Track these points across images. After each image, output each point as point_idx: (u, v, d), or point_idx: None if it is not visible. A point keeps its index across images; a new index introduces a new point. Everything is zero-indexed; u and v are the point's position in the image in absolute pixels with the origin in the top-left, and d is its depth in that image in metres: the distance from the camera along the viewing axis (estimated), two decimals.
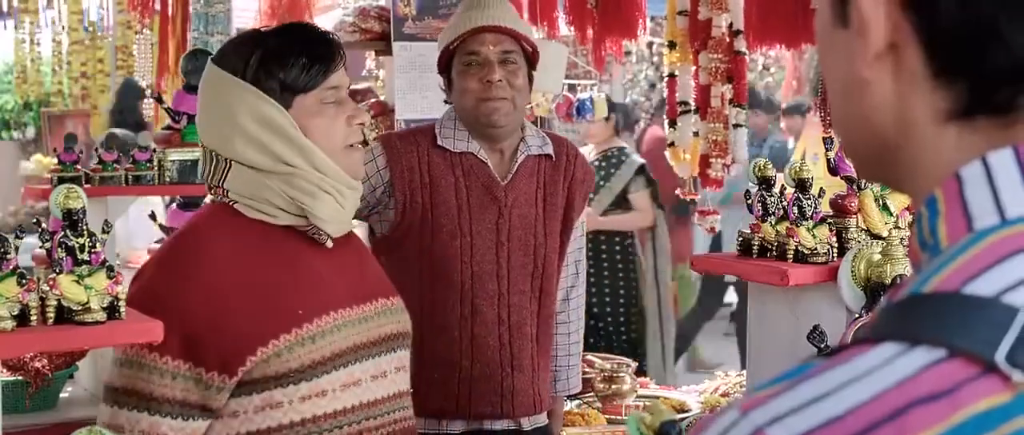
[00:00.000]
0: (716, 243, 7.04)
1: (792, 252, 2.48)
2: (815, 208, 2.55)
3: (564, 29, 4.34)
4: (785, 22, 3.54)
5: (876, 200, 2.57)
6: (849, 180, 2.63)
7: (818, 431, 0.58)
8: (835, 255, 2.51)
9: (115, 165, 3.48)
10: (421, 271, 2.58)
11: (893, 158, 0.70)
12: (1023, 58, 0.63)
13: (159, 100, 3.68)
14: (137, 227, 4.32)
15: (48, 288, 1.85)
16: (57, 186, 2.08)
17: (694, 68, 3.69)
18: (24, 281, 1.81)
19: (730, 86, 3.58)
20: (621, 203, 5.92)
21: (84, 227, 1.91)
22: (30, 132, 9.33)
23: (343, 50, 1.97)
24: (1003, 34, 0.63)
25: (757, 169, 2.62)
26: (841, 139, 0.75)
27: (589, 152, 5.82)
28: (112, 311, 1.86)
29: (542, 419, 2.77)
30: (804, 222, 2.51)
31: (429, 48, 3.96)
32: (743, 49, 3.57)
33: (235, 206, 1.93)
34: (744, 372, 3.54)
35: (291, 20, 5.05)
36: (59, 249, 1.89)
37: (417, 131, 2.68)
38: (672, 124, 3.83)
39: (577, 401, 3.35)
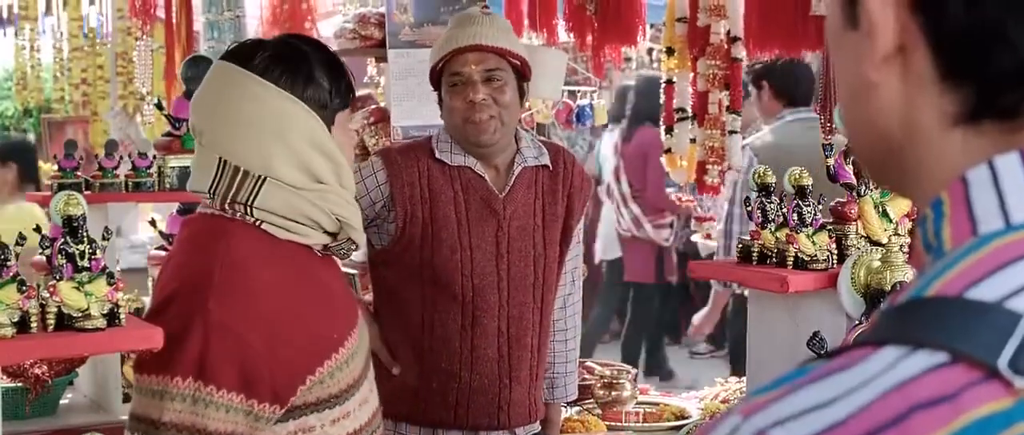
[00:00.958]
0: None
1: (792, 259, 2.48)
2: (814, 215, 2.56)
3: (564, 36, 4.35)
4: (784, 29, 3.54)
5: (876, 207, 2.57)
6: (848, 187, 2.63)
7: None
8: (835, 262, 2.51)
9: (115, 172, 3.49)
10: (422, 284, 2.58)
11: (899, 161, 0.70)
12: None
13: (159, 107, 3.68)
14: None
15: (48, 295, 1.85)
16: (57, 193, 2.08)
17: (692, 75, 3.70)
18: (24, 288, 1.81)
19: (727, 93, 3.59)
20: None
21: (84, 234, 1.91)
22: (30, 138, 9.33)
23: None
24: (1010, 37, 0.63)
25: (757, 176, 2.62)
26: (850, 141, 0.75)
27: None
28: (112, 318, 1.86)
29: (536, 428, 2.78)
30: (804, 229, 2.52)
31: (427, 55, 3.97)
32: (741, 56, 3.57)
33: (263, 226, 1.84)
34: (744, 379, 3.54)
35: (293, 27, 5.07)
36: (59, 256, 1.89)
37: (416, 145, 2.68)
38: (669, 130, 3.84)
39: (577, 408, 3.35)
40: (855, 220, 2.59)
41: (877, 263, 2.42)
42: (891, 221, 2.58)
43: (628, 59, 8.84)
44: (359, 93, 4.48)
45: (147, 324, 1.83)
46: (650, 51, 8.97)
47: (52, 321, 1.85)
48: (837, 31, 0.72)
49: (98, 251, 1.92)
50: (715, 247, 5.62)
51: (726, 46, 3.57)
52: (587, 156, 7.94)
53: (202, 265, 1.81)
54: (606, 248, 7.25)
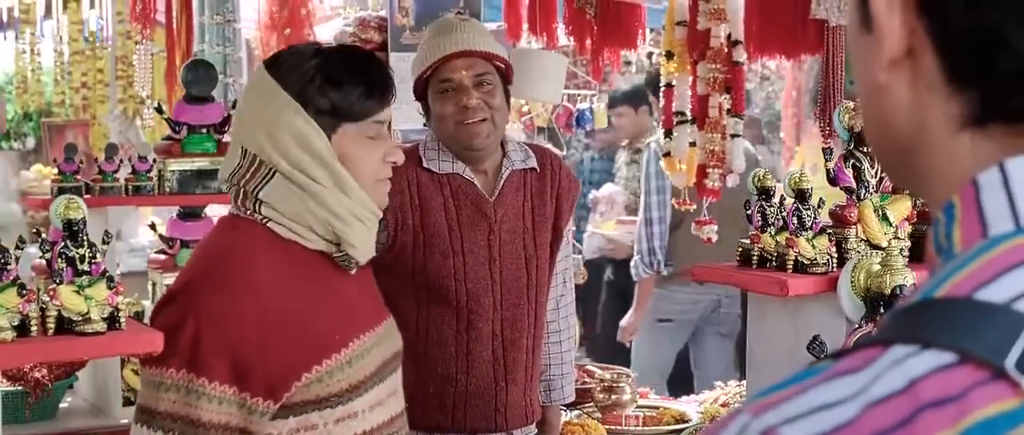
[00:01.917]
0: None
1: (792, 262, 2.48)
2: (814, 218, 2.56)
3: (563, 39, 4.35)
4: (785, 32, 3.55)
5: (875, 210, 2.57)
6: (848, 190, 2.64)
7: (831, 434, 0.58)
8: (835, 265, 2.51)
9: (115, 175, 3.49)
10: (416, 290, 2.59)
11: (912, 163, 0.70)
12: None
13: (159, 110, 3.68)
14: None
15: (48, 299, 1.85)
16: (57, 196, 2.08)
17: (692, 78, 3.70)
18: (24, 292, 1.81)
19: (728, 96, 3.59)
20: None
21: (84, 237, 1.91)
22: (30, 142, 9.33)
23: (395, 87, 1.98)
24: (1011, 41, 0.63)
25: (757, 179, 2.62)
26: (869, 141, 0.76)
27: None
28: (112, 321, 1.86)
29: (532, 430, 2.79)
30: (804, 232, 2.52)
31: None
32: (741, 59, 3.58)
33: (268, 225, 1.88)
34: (744, 382, 3.54)
35: (292, 31, 5.07)
36: (59, 259, 1.89)
37: (404, 153, 2.69)
38: (668, 134, 3.84)
39: (576, 411, 3.35)
40: (855, 224, 2.59)
41: (877, 267, 2.42)
42: (891, 225, 2.58)
43: (628, 63, 8.84)
44: None
45: (147, 328, 1.84)
46: (650, 55, 8.98)
47: (52, 325, 1.85)
48: (855, 34, 0.73)
49: (98, 255, 1.92)
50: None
51: (726, 49, 3.57)
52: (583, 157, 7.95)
53: (205, 259, 1.91)
54: None
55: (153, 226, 3.85)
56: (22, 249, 1.89)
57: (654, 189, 4.92)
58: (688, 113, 3.73)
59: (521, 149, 2.73)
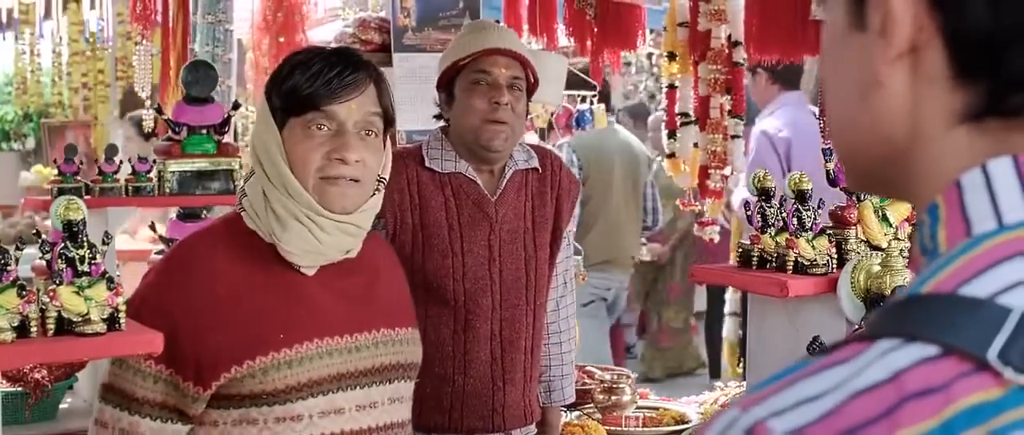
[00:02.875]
0: None
1: (792, 263, 2.48)
2: (814, 219, 2.56)
3: (563, 40, 4.35)
4: (785, 33, 3.55)
5: (876, 211, 2.57)
6: (848, 191, 2.63)
7: (815, 424, 0.59)
8: (834, 266, 2.51)
9: (115, 176, 3.49)
10: (414, 289, 2.59)
11: (899, 163, 0.71)
12: None
13: (159, 112, 3.68)
14: None
15: (48, 299, 1.85)
16: (57, 197, 2.08)
17: (693, 79, 3.70)
18: (24, 293, 1.81)
19: (729, 97, 3.59)
20: None
21: (84, 238, 1.91)
22: (30, 143, 9.33)
23: (370, 86, 1.92)
24: None
25: (756, 180, 2.62)
26: (841, 146, 0.76)
27: None
28: (112, 322, 1.86)
29: (531, 431, 2.79)
30: (803, 233, 2.52)
31: (430, 59, 3.97)
32: (742, 60, 3.58)
33: (243, 215, 1.95)
34: (744, 383, 3.54)
35: (285, 34, 5.07)
36: (59, 260, 1.89)
37: (405, 153, 2.69)
38: (671, 135, 3.84)
39: (577, 412, 3.35)
40: (855, 224, 2.59)
41: (877, 267, 2.42)
42: (891, 225, 2.58)
43: (628, 64, 8.84)
44: None
45: (147, 328, 1.84)
46: (650, 56, 8.99)
47: (52, 326, 1.85)
48: (840, 34, 0.73)
49: (98, 256, 1.92)
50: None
51: (727, 50, 3.57)
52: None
53: (171, 247, 2.04)
54: None
55: (153, 227, 3.84)
56: (22, 250, 1.89)
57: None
58: (692, 114, 3.73)
59: (523, 149, 2.73)
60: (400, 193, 2.57)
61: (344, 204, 1.88)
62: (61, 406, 3.27)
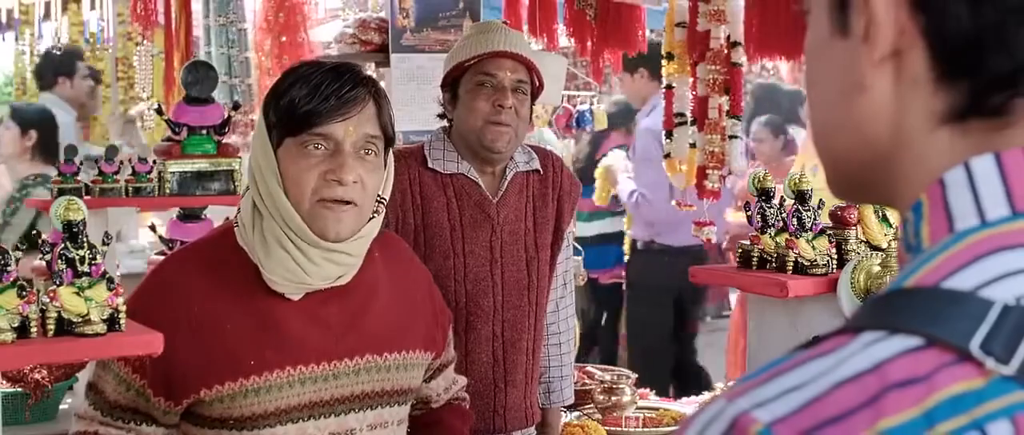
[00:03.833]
0: None
1: (792, 264, 2.48)
2: (814, 219, 2.56)
3: (564, 40, 4.35)
4: (784, 33, 3.55)
5: (875, 212, 2.57)
6: None
7: (798, 413, 0.60)
8: (834, 266, 2.51)
9: (115, 176, 3.49)
10: None
11: (882, 166, 0.72)
12: (1023, 63, 0.66)
13: (159, 112, 3.68)
14: None
15: (48, 300, 1.85)
16: (57, 198, 2.08)
17: (692, 79, 3.70)
18: (24, 293, 1.81)
19: (727, 97, 3.59)
20: None
21: (84, 239, 1.91)
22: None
23: (369, 103, 1.85)
24: (1007, 39, 0.66)
25: (756, 181, 2.62)
26: (824, 150, 0.77)
27: None
28: (112, 323, 1.86)
29: (532, 432, 2.79)
30: (804, 234, 2.52)
31: (428, 60, 3.97)
32: (741, 61, 3.58)
33: (235, 230, 1.91)
34: None
35: (287, 35, 5.08)
36: (59, 261, 1.89)
37: (406, 153, 2.69)
38: (669, 135, 3.84)
39: (577, 413, 3.35)
40: (855, 225, 2.59)
41: (877, 267, 2.42)
42: (891, 225, 2.58)
43: None
44: None
45: (147, 329, 1.84)
46: None
47: (52, 326, 1.85)
48: (822, 41, 0.74)
49: (98, 256, 1.92)
50: None
51: (726, 51, 3.57)
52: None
53: (158, 263, 2.07)
54: None
55: (153, 227, 3.84)
56: (22, 250, 1.89)
57: None
58: (688, 114, 3.73)
59: (524, 151, 2.73)
60: (402, 193, 2.57)
61: (339, 230, 1.81)
62: (61, 407, 3.27)
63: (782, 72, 7.66)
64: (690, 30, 3.67)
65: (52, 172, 3.66)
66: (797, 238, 2.50)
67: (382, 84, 4.63)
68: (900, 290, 0.65)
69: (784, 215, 2.55)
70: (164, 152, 3.49)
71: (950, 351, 0.61)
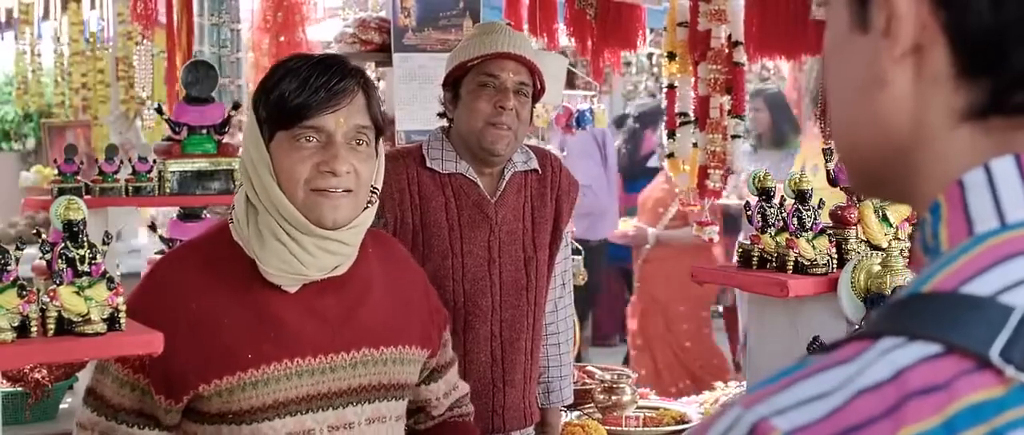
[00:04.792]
0: None
1: (792, 263, 2.48)
2: (815, 219, 2.56)
3: (564, 40, 4.35)
4: (785, 33, 3.55)
5: (876, 211, 2.57)
6: (849, 191, 2.63)
7: (819, 422, 0.59)
8: (835, 266, 2.51)
9: (115, 176, 3.49)
10: None
11: (901, 163, 0.71)
12: None
13: (160, 111, 3.68)
14: None
15: (48, 299, 1.85)
16: (57, 197, 2.08)
17: (693, 79, 3.70)
18: (24, 293, 1.81)
19: (729, 97, 3.59)
20: None
21: (84, 238, 1.91)
22: (30, 143, 9.32)
23: (359, 95, 1.86)
24: None
25: (757, 180, 2.62)
26: (843, 147, 0.76)
27: None
28: (112, 322, 1.86)
29: (530, 432, 2.79)
30: (804, 233, 2.52)
31: (430, 59, 3.97)
32: (742, 60, 3.58)
33: (231, 227, 1.92)
34: (745, 383, 3.54)
35: (286, 34, 5.07)
36: (59, 260, 1.89)
37: (405, 152, 2.69)
38: (671, 135, 3.84)
39: (577, 412, 3.35)
40: (855, 224, 2.59)
41: (877, 267, 2.42)
42: (891, 225, 2.58)
43: (628, 63, 8.84)
44: None
45: (147, 328, 1.84)
46: (650, 56, 8.98)
47: (52, 326, 1.85)
48: (842, 36, 0.73)
49: (98, 256, 1.92)
50: None
51: (727, 50, 3.57)
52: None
53: (155, 263, 2.06)
54: None
55: (153, 226, 3.84)
56: (22, 250, 1.89)
57: None
58: (691, 114, 3.73)
59: (523, 151, 2.73)
60: (400, 193, 2.57)
61: (336, 217, 1.82)
62: (61, 406, 3.27)
63: (783, 71, 7.65)
64: (691, 30, 3.67)
65: None
66: (797, 238, 2.50)
67: (383, 83, 4.65)
68: (918, 295, 0.64)
69: (784, 215, 2.55)
70: (164, 151, 3.49)
71: (969, 358, 0.60)
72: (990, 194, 0.65)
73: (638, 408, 3.42)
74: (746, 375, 2.85)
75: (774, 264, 2.52)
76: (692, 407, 3.55)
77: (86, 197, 3.30)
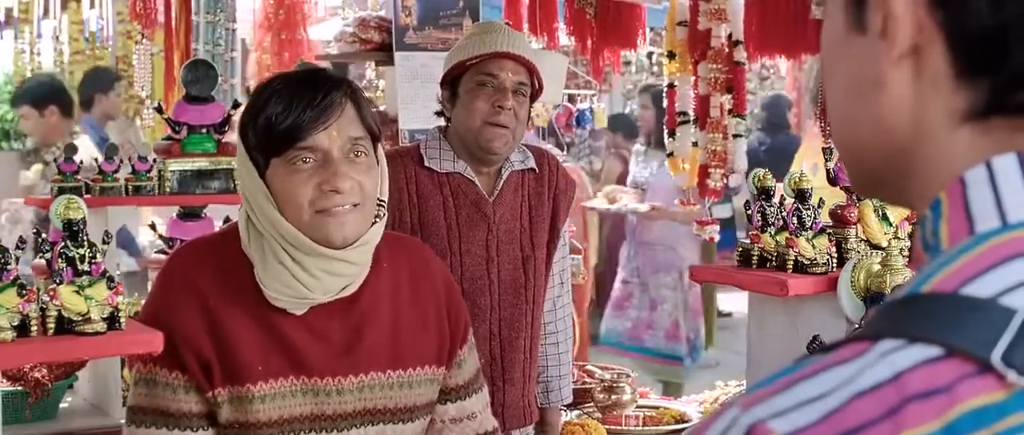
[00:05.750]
0: None
1: (792, 262, 2.48)
2: (814, 218, 2.56)
3: (564, 39, 4.35)
4: (785, 32, 3.55)
5: (875, 210, 2.57)
6: (849, 190, 2.63)
7: (817, 425, 0.59)
8: (834, 265, 2.51)
9: (115, 175, 3.48)
10: None
11: (901, 163, 0.71)
12: None
13: (159, 110, 3.68)
14: None
15: (48, 299, 1.85)
16: (57, 196, 2.08)
17: (693, 78, 3.70)
18: (24, 292, 1.81)
19: (729, 96, 3.60)
20: None
21: (84, 238, 1.91)
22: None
23: (348, 106, 1.79)
24: None
25: (756, 179, 2.62)
26: (844, 147, 0.75)
27: None
28: (112, 321, 1.86)
29: (530, 431, 2.79)
30: (804, 232, 2.52)
31: (431, 58, 3.98)
32: (742, 59, 3.58)
33: (240, 235, 1.86)
34: (744, 383, 3.54)
35: (286, 33, 5.07)
36: (59, 260, 1.89)
37: (403, 152, 2.69)
38: (671, 134, 3.84)
39: (576, 411, 3.35)
40: (855, 223, 2.59)
41: (877, 266, 2.42)
42: (891, 224, 2.58)
43: (628, 63, 8.84)
44: None
45: (147, 328, 1.84)
46: (650, 55, 8.99)
47: (52, 325, 1.85)
48: (839, 37, 0.72)
49: (98, 255, 1.92)
50: None
51: (727, 50, 3.57)
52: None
53: (169, 257, 1.97)
54: None
55: (153, 226, 3.84)
56: (22, 249, 1.89)
57: None
58: (690, 113, 3.73)
59: (520, 150, 2.73)
60: (399, 192, 2.57)
61: (345, 234, 1.76)
62: (61, 405, 3.27)
63: (781, 70, 7.67)
64: (691, 29, 3.67)
65: None
66: (797, 237, 2.50)
67: (382, 83, 4.65)
68: (918, 295, 0.63)
69: (784, 214, 2.55)
70: (164, 151, 3.49)
71: (971, 362, 0.59)
72: (991, 191, 0.65)
73: (638, 407, 3.42)
74: (746, 374, 2.85)
75: (774, 263, 2.52)
76: (692, 406, 3.55)
77: (86, 196, 3.30)
